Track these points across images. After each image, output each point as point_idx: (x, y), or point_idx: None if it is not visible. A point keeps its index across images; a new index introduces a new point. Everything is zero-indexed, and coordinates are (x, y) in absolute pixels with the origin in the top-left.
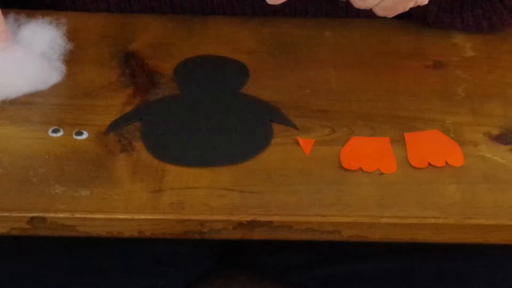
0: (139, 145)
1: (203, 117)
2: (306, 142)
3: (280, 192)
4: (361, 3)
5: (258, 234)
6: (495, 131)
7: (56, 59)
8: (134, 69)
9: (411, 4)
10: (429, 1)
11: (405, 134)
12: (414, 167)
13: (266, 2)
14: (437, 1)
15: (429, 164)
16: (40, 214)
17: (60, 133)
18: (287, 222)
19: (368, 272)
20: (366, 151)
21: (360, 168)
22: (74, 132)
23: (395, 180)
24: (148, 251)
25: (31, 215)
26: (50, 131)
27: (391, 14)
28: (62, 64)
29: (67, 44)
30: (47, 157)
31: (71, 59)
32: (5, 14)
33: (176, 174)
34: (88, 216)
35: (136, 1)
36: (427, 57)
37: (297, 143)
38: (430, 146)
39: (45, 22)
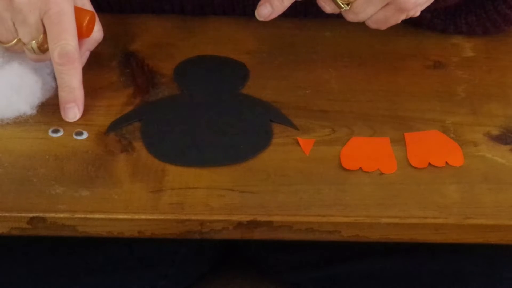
0: (139, 145)
1: (203, 117)
2: (306, 142)
3: (280, 192)
4: (353, 16)
5: (258, 234)
6: (495, 131)
7: (48, 74)
8: (134, 69)
9: (403, 17)
10: None
11: (405, 134)
12: (414, 167)
13: None
14: (430, 8)
15: (429, 164)
16: (40, 214)
17: (60, 133)
18: (287, 222)
19: (368, 272)
20: (366, 151)
21: (360, 168)
22: (74, 132)
23: (395, 180)
24: (148, 251)
25: (31, 215)
26: (50, 131)
27: (383, 26)
28: (53, 80)
29: None
30: (47, 157)
31: None
32: None
33: (176, 174)
34: (88, 216)
35: (136, 0)
36: (427, 57)
37: (297, 143)
38: (430, 146)
39: None
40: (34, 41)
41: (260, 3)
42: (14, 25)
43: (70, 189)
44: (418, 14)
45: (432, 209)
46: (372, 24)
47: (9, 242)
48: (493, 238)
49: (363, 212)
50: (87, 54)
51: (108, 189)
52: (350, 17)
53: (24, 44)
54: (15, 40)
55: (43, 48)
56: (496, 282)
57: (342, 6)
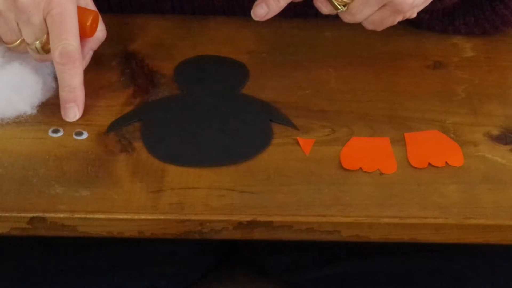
0: (139, 145)
1: (203, 117)
2: (306, 142)
3: (280, 192)
4: (350, 17)
5: (258, 234)
6: (495, 131)
7: (49, 74)
8: (134, 69)
9: (399, 18)
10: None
11: (405, 134)
12: (414, 167)
13: None
14: (428, 9)
15: (429, 164)
16: (40, 214)
17: (60, 133)
18: (287, 222)
19: (368, 272)
20: (366, 151)
21: (360, 168)
22: (74, 132)
23: (395, 180)
24: (148, 251)
25: (31, 215)
26: (50, 131)
27: (379, 28)
28: (53, 80)
29: None
30: (47, 157)
31: None
32: None
33: (176, 174)
34: (88, 216)
35: (137, 0)
36: (427, 57)
37: (297, 143)
38: (430, 146)
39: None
40: (38, 41)
41: (256, 3)
42: (18, 25)
43: (70, 189)
44: (414, 15)
45: (432, 209)
46: (368, 25)
47: (9, 242)
48: (493, 238)
49: (363, 212)
50: (91, 53)
51: (108, 189)
52: (347, 18)
53: (28, 44)
54: (19, 41)
55: (46, 48)
56: (496, 282)
57: (339, 7)
